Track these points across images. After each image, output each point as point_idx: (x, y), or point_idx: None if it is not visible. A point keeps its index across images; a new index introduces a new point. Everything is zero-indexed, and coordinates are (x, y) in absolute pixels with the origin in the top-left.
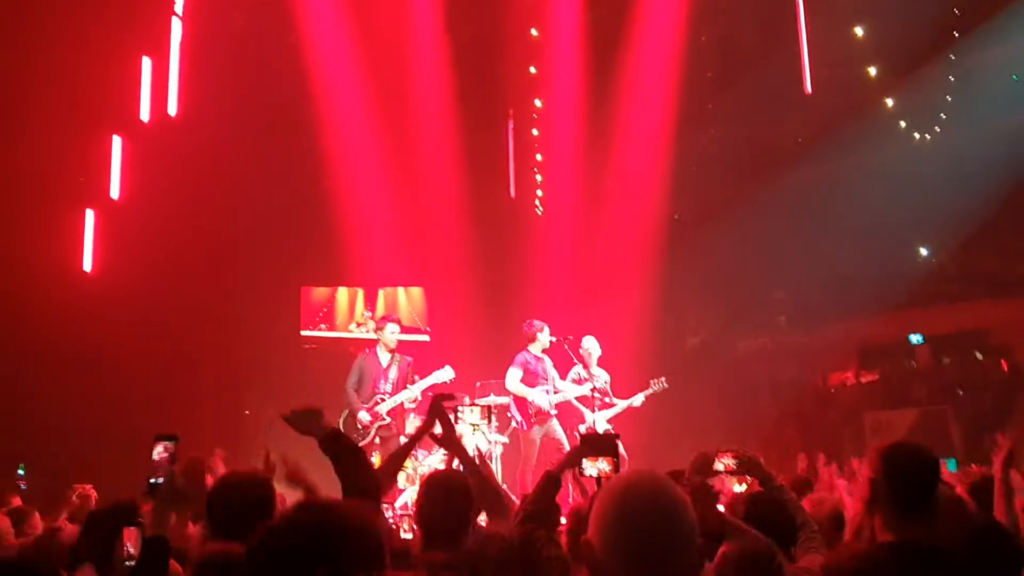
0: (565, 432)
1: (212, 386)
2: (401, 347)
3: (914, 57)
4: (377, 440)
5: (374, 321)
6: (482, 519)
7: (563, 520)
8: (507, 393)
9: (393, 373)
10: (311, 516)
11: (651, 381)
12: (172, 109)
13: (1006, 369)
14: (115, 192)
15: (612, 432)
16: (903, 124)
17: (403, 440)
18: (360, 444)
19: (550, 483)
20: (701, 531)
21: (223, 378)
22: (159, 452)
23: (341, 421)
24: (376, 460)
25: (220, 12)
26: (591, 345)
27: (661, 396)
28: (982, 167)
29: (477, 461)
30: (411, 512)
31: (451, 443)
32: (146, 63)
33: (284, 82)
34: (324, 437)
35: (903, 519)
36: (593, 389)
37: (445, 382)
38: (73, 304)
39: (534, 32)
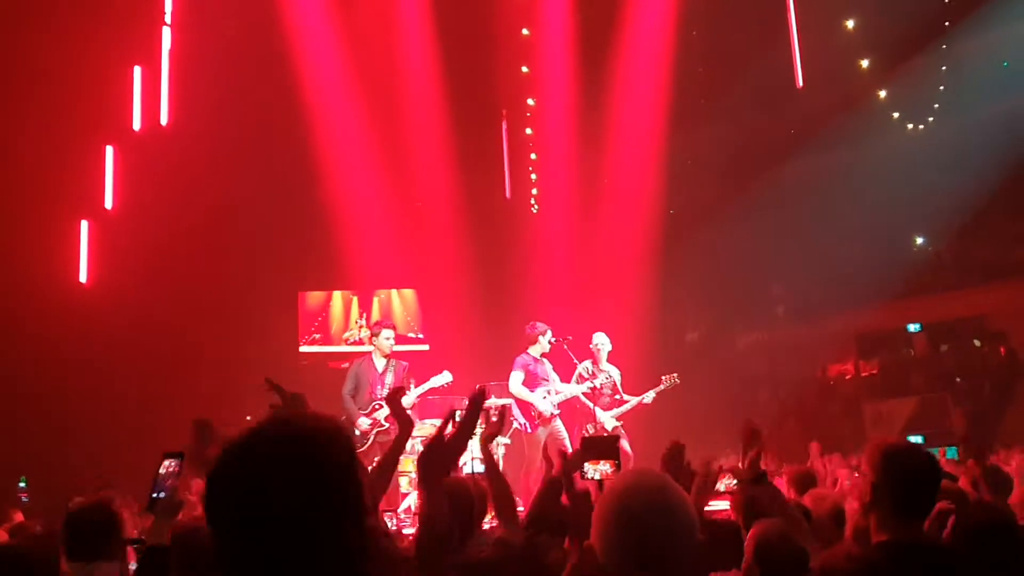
0: (573, 431)
1: (210, 394)
2: (397, 352)
3: (905, 48)
4: (376, 446)
5: (369, 329)
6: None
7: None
8: (507, 394)
9: (389, 378)
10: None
11: (663, 377)
12: (164, 118)
13: (1004, 355)
14: (109, 202)
15: (618, 431)
16: (896, 115)
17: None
18: (359, 451)
19: (553, 488)
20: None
21: (220, 386)
22: (165, 468)
23: None
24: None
25: (210, 21)
26: (602, 341)
27: (661, 392)
28: (976, 155)
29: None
30: (414, 516)
31: (486, 442)
32: (137, 73)
33: (275, 89)
34: None
35: (901, 520)
36: (593, 389)
37: (443, 386)
38: (70, 315)
39: (525, 32)
